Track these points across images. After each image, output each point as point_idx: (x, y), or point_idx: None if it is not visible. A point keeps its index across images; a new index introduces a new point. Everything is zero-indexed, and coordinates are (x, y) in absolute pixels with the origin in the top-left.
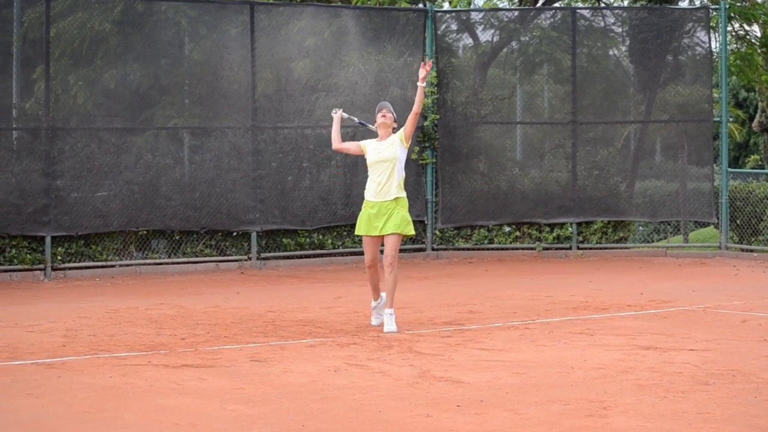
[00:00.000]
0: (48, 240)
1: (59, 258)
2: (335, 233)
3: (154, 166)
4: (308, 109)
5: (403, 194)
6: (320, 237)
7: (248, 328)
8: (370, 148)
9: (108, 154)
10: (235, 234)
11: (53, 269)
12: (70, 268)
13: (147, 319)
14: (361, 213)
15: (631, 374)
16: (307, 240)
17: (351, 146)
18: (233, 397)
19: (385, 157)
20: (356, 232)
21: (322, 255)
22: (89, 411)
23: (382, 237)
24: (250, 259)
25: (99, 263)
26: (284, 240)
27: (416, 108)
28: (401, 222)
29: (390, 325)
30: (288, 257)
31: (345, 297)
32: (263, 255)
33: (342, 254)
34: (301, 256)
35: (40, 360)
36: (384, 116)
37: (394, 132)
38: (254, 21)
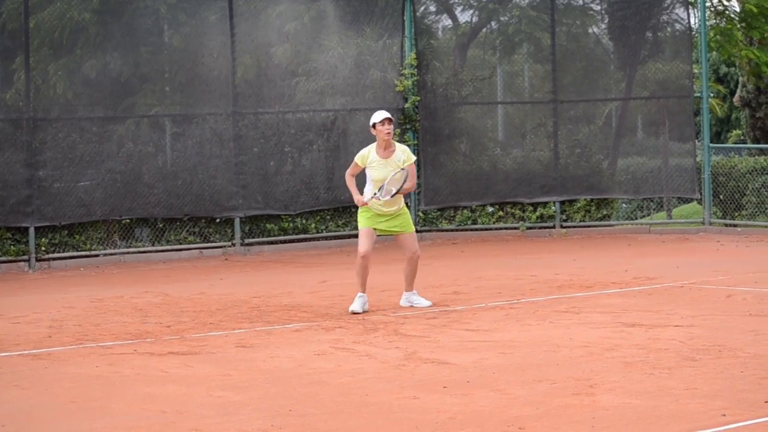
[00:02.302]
0: (31, 231)
1: (43, 249)
2: (318, 217)
3: (136, 154)
4: (289, 93)
5: (404, 203)
6: (303, 221)
7: (233, 315)
8: (374, 163)
9: (90, 144)
10: (218, 220)
11: (37, 260)
12: (54, 259)
13: (132, 307)
14: (362, 210)
15: (617, 351)
16: (291, 225)
17: (356, 171)
18: (220, 384)
19: (393, 179)
20: (360, 225)
21: (305, 239)
22: (76, 401)
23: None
24: (234, 245)
25: (83, 253)
26: (268, 225)
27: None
28: (409, 222)
29: (425, 301)
30: (272, 242)
31: (330, 281)
32: (247, 241)
33: (326, 238)
34: (284, 241)
35: (26, 351)
36: (389, 133)
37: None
38: (233, 7)
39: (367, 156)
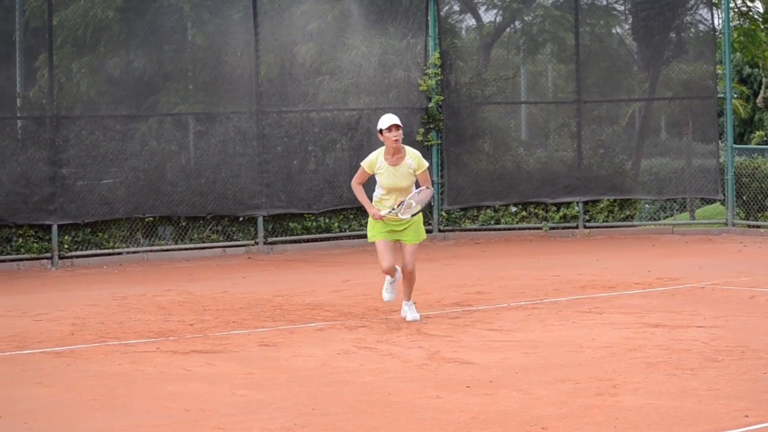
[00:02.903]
0: (54, 228)
1: (66, 246)
2: (342, 216)
3: (160, 152)
4: (313, 92)
5: None
6: (327, 220)
7: (256, 313)
8: (382, 170)
9: (113, 142)
10: (241, 219)
11: (60, 258)
12: (77, 257)
13: (155, 305)
14: (370, 225)
15: (640, 352)
16: (314, 224)
17: (363, 179)
18: (243, 382)
19: (403, 186)
20: (370, 239)
21: (329, 238)
22: (99, 398)
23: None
24: (257, 243)
25: (106, 251)
26: (291, 224)
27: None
28: (420, 229)
29: (415, 314)
30: (295, 241)
31: (353, 280)
32: (270, 239)
33: (349, 237)
34: (308, 240)
35: (49, 349)
36: (396, 140)
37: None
38: (257, 5)
39: (375, 162)
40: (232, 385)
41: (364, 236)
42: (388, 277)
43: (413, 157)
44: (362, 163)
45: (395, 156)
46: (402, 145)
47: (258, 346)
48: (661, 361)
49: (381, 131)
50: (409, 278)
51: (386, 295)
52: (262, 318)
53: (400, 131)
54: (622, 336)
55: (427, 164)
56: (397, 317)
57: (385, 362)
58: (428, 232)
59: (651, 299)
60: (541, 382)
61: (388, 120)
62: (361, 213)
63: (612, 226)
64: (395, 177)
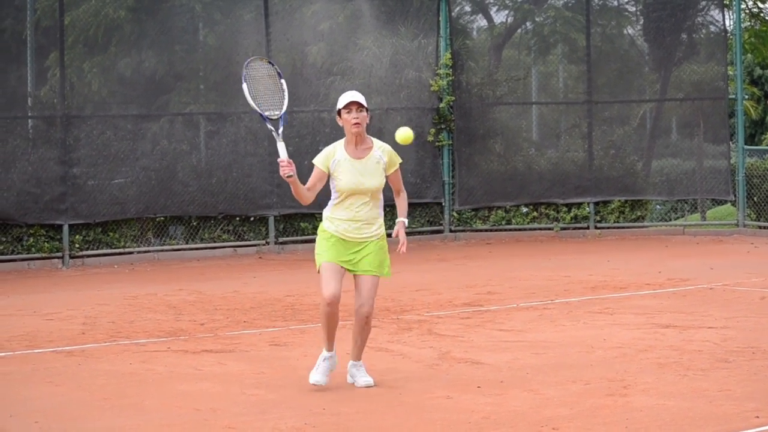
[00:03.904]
0: (65, 228)
1: (77, 246)
2: None
3: (171, 152)
4: (324, 92)
5: (382, 220)
6: None
7: (267, 313)
8: (341, 166)
9: (124, 141)
10: (252, 219)
11: (71, 257)
12: (88, 256)
13: (166, 305)
14: (321, 238)
15: (651, 353)
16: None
17: (316, 182)
18: (253, 382)
19: (369, 187)
20: (320, 260)
21: None
22: (109, 398)
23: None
24: (268, 243)
25: (117, 250)
26: (302, 224)
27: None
28: (383, 260)
29: (367, 377)
30: (306, 241)
31: None
32: (281, 239)
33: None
34: None
35: (59, 348)
36: (357, 124)
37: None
38: (268, 5)
39: (332, 155)
40: (243, 384)
41: None
42: (324, 352)
43: (383, 150)
44: (314, 161)
45: (359, 146)
46: (369, 135)
47: (269, 345)
48: (672, 361)
49: (339, 113)
50: (363, 327)
51: (316, 377)
52: (273, 318)
53: (365, 113)
54: (633, 336)
55: (400, 161)
56: (408, 317)
57: (396, 362)
58: (439, 232)
59: (662, 300)
60: (551, 383)
61: (346, 97)
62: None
63: (623, 227)
64: (359, 174)
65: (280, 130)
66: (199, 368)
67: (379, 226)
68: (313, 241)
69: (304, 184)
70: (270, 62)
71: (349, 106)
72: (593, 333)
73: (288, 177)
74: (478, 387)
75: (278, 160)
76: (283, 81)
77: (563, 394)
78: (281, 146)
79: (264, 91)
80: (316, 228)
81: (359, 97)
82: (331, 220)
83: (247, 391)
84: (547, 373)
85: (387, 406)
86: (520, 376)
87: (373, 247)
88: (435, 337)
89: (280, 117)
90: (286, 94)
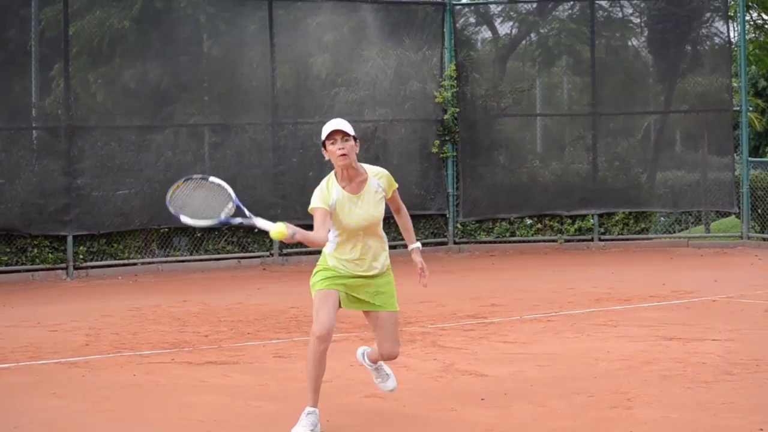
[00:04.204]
0: (70, 239)
1: (81, 257)
2: None
3: (175, 163)
4: (328, 104)
5: (387, 247)
6: None
7: (271, 325)
8: (341, 205)
9: (128, 153)
10: (256, 230)
11: (75, 268)
12: (92, 267)
13: (170, 316)
14: (321, 268)
15: (655, 365)
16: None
17: (324, 221)
18: (257, 394)
19: (373, 221)
20: (317, 286)
21: None
22: (113, 409)
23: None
24: (272, 255)
25: (121, 262)
26: None
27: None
28: (395, 292)
29: (393, 382)
30: (310, 253)
31: None
32: (285, 251)
33: None
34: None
35: (63, 359)
36: (344, 155)
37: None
38: (273, 17)
39: (328, 194)
40: (247, 396)
41: None
42: (308, 407)
43: (379, 176)
44: (313, 203)
45: (353, 181)
46: (359, 163)
47: (273, 357)
48: (676, 374)
49: (323, 145)
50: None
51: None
52: (277, 329)
53: (352, 141)
54: (637, 349)
55: (396, 185)
56: (412, 329)
57: (399, 374)
58: (443, 244)
59: (666, 312)
60: (555, 395)
61: (329, 126)
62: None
63: (627, 239)
64: (361, 210)
65: (247, 213)
66: (203, 380)
67: (386, 257)
68: (316, 252)
69: (307, 173)
70: (185, 180)
71: (333, 135)
72: (597, 345)
73: (293, 237)
74: (482, 399)
75: (271, 234)
76: (210, 178)
77: (567, 407)
78: (260, 222)
79: (201, 204)
80: None
81: (344, 125)
82: (335, 257)
83: (251, 403)
84: (552, 386)
85: (390, 418)
86: (525, 388)
87: (386, 278)
88: (439, 349)
89: (235, 205)
90: (222, 185)
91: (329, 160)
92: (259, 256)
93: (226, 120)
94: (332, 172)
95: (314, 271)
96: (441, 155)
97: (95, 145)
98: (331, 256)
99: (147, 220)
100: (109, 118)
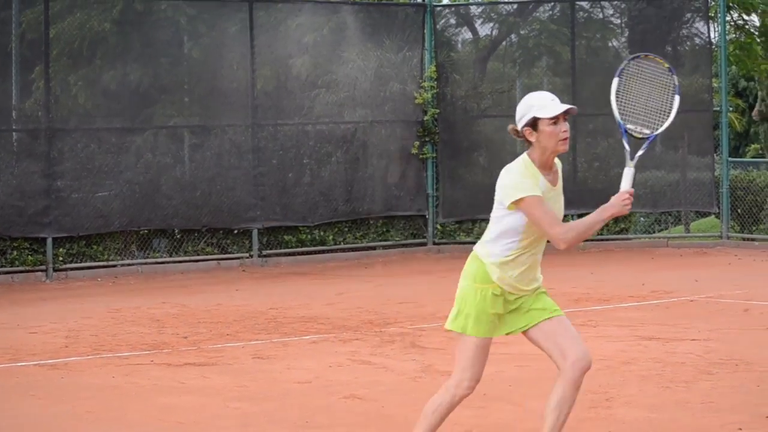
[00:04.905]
0: (49, 241)
1: (60, 259)
2: (336, 229)
3: (155, 165)
4: (308, 105)
5: None
6: (321, 233)
7: (250, 326)
8: (545, 196)
9: (108, 154)
10: (236, 231)
11: (55, 270)
12: (71, 269)
13: (149, 318)
14: (480, 293)
15: (634, 365)
16: (309, 236)
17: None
18: (236, 395)
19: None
20: (470, 327)
21: (323, 251)
22: (93, 411)
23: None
24: (251, 256)
25: (100, 263)
26: (285, 237)
27: None
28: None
29: None
30: (289, 254)
31: (347, 293)
32: (265, 252)
33: (343, 250)
34: (302, 253)
35: (42, 361)
36: (568, 135)
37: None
38: (253, 18)
39: (536, 179)
40: (226, 397)
41: (359, 249)
42: None
43: (560, 166)
44: (523, 194)
45: (551, 171)
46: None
47: (252, 358)
48: (655, 374)
49: (533, 123)
50: (577, 387)
51: None
52: (256, 331)
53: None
54: (617, 349)
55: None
56: (391, 330)
57: (378, 375)
58: (423, 245)
59: (645, 312)
60: (534, 395)
61: (554, 104)
62: (356, 226)
63: (606, 239)
64: (559, 205)
65: (639, 154)
66: (183, 381)
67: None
68: (296, 254)
69: (287, 175)
70: (670, 69)
71: (558, 119)
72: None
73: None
74: None
75: (623, 190)
76: (676, 98)
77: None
78: (630, 173)
79: (639, 99)
80: (299, 240)
81: (568, 105)
82: (503, 269)
83: (230, 404)
84: (530, 386)
85: (369, 418)
86: (503, 388)
87: (540, 291)
88: (418, 350)
89: (648, 138)
90: (672, 114)
91: (308, 164)
92: (238, 257)
93: (205, 122)
94: (525, 157)
95: (465, 292)
96: (421, 156)
97: (75, 147)
98: (497, 267)
99: (127, 222)
100: (89, 120)
